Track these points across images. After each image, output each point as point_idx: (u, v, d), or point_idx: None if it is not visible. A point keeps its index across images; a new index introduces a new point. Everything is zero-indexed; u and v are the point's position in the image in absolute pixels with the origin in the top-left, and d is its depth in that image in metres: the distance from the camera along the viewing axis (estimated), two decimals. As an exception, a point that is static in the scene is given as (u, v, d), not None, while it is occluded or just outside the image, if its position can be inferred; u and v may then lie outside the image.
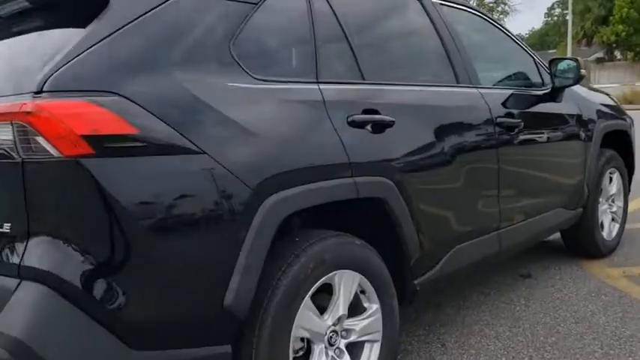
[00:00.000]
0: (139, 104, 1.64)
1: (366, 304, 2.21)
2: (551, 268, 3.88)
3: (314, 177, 1.99)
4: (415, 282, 2.42)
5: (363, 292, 2.20)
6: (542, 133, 3.29)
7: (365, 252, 2.18)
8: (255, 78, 1.95)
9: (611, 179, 4.06)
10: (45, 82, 1.60)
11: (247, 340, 1.86)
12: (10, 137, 1.60)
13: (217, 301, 1.73)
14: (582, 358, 2.62)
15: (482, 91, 2.90)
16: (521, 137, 3.05)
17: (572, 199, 3.59)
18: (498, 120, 2.88)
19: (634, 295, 3.33)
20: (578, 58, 3.36)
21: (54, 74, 1.61)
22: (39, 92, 1.59)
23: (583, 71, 3.28)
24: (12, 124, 1.60)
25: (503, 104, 3.00)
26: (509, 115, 2.98)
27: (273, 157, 1.88)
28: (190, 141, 1.70)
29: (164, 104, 1.70)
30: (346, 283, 2.10)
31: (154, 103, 1.68)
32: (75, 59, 1.64)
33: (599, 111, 3.84)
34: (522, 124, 3.04)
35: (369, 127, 2.22)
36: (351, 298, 2.13)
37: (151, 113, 1.66)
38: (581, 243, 3.92)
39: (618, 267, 3.84)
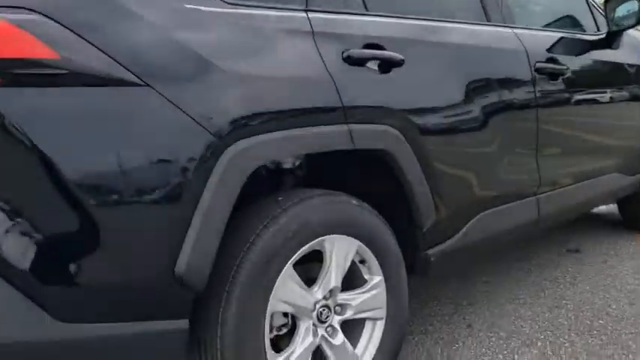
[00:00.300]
0: (62, 24, 1.34)
1: (366, 276, 1.86)
2: (604, 243, 3.41)
3: (293, 122, 1.64)
4: (429, 252, 2.05)
5: (363, 261, 1.85)
6: (595, 84, 2.82)
7: (364, 215, 1.83)
8: (224, 1, 1.62)
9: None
10: None
11: (211, 315, 1.55)
12: None
13: (167, 268, 1.42)
14: (637, 346, 2.20)
15: (518, 31, 2.47)
16: (567, 87, 2.60)
17: (631, 164, 3.10)
18: (538, 65, 2.44)
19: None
20: (640, -5, 2.84)
21: None
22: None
23: (645, 10, 2.77)
24: None
25: (545, 48, 2.56)
26: (551, 60, 2.53)
27: (240, 96, 1.54)
28: (129, 70, 1.38)
29: (97, 26, 1.39)
30: (339, 251, 1.76)
31: (83, 23, 1.37)
32: None
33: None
34: (568, 72, 2.59)
35: (371, 66, 1.85)
36: (346, 268, 1.79)
37: (79, 36, 1.34)
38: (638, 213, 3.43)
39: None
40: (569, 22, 2.99)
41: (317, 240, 1.70)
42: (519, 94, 2.37)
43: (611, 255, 3.21)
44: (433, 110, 2.01)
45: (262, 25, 1.67)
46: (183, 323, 1.48)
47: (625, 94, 3.03)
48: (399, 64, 1.91)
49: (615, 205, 3.68)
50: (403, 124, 1.90)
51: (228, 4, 1.63)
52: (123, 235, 1.38)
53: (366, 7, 1.97)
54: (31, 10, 1.32)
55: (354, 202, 1.81)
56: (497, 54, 2.33)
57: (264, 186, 1.84)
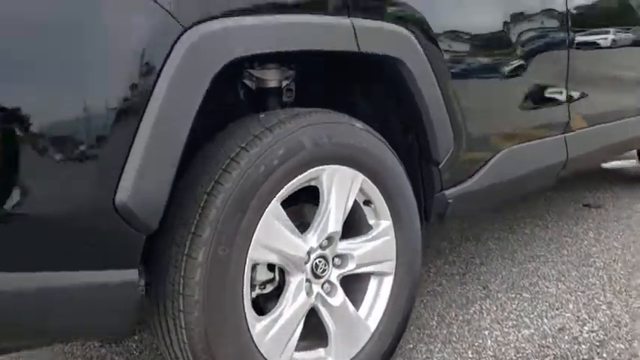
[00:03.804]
0: None
1: (371, 221, 1.48)
2: (624, 199, 3.06)
3: (280, 7, 1.24)
4: (446, 193, 1.67)
5: (368, 202, 1.47)
6: (623, 19, 2.44)
7: (371, 142, 1.43)
8: None
9: None
10: None
11: (170, 265, 1.16)
12: None
13: (105, 196, 1.03)
14: None
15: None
16: (598, 20, 2.22)
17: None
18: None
19: None
20: None
21: None
22: None
23: None
24: None
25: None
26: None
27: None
28: None
29: None
30: (340, 186, 1.37)
31: None
32: None
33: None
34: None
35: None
36: (348, 208, 1.40)
37: None
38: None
39: None
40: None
41: (311, 170, 1.31)
42: (552, 21, 1.98)
43: (633, 211, 2.86)
44: (457, 13, 1.61)
45: None
46: (131, 274, 1.08)
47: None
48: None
49: (630, 161, 3.36)
50: (419, 25, 1.50)
51: None
52: (46, 154, 0.97)
53: None
54: None
55: (359, 125, 1.41)
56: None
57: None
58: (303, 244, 1.32)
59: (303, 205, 1.43)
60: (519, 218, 2.78)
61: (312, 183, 1.34)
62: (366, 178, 1.42)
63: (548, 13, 2.00)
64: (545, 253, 2.36)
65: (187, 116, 1.10)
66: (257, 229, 1.22)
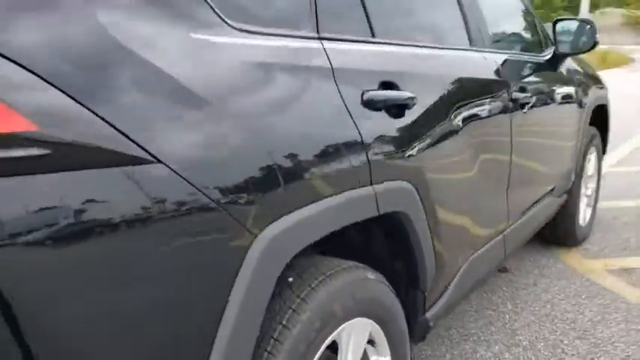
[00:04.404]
0: (37, 74, 0.85)
1: (372, 358, 1.58)
2: (526, 260, 3.42)
3: (328, 188, 1.29)
4: (427, 315, 1.81)
5: (371, 342, 1.56)
6: (547, 109, 2.74)
7: (381, 291, 1.53)
8: (235, 27, 1.20)
9: (589, 159, 3.64)
10: None
11: None
12: None
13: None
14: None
15: (496, 57, 2.28)
16: (530, 115, 2.48)
17: (562, 185, 3.11)
18: (514, 96, 2.28)
19: (626, 297, 2.95)
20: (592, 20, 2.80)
21: None
22: None
23: (598, 36, 2.73)
24: None
25: (516, 74, 2.41)
26: (522, 89, 2.39)
27: (270, 163, 1.15)
28: (134, 141, 0.93)
29: (81, 74, 0.91)
30: (357, 338, 1.45)
31: (62, 71, 0.89)
32: None
33: (586, 81, 3.35)
34: (532, 99, 2.47)
35: (387, 110, 1.53)
36: (360, 354, 1.49)
37: (62, 91, 0.87)
38: (558, 231, 3.48)
39: (596, 258, 3.46)
40: (520, 38, 2.88)
41: (337, 331, 1.37)
42: (501, 125, 2.19)
43: (537, 275, 3.22)
44: (437, 155, 1.74)
45: (280, 60, 1.27)
46: None
47: (565, 118, 3.01)
48: (410, 105, 1.61)
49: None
50: (416, 176, 1.61)
51: (239, 30, 1.20)
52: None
53: (372, 33, 1.62)
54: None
55: (372, 276, 1.50)
56: (487, 86, 2.12)
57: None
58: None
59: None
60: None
61: (334, 339, 1.40)
62: (374, 323, 1.51)
63: (498, 117, 2.16)
64: (477, 330, 2.60)
65: (261, 309, 1.13)
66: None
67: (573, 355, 2.42)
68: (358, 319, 1.44)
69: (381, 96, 1.49)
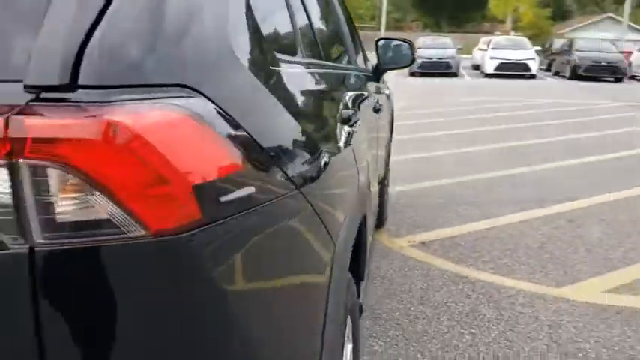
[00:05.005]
0: (228, 114, 0.89)
1: None
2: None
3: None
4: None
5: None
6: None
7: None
8: None
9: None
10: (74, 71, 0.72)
11: None
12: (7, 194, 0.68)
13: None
14: (462, 345, 2.69)
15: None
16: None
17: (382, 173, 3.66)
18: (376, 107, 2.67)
19: (436, 264, 3.61)
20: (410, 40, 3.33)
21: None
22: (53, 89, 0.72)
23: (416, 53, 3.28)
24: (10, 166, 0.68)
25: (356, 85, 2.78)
26: (376, 109, 2.79)
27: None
28: (287, 175, 1.02)
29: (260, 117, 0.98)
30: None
31: (244, 111, 0.94)
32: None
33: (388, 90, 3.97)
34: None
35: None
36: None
37: (247, 134, 0.92)
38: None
39: (399, 237, 4.12)
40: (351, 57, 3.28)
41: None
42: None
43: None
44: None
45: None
46: None
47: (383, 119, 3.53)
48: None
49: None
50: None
51: None
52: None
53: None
54: (193, 90, 0.84)
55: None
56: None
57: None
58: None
59: None
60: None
61: None
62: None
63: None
64: (345, 311, 2.95)
65: None
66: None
67: (424, 318, 2.94)
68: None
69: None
